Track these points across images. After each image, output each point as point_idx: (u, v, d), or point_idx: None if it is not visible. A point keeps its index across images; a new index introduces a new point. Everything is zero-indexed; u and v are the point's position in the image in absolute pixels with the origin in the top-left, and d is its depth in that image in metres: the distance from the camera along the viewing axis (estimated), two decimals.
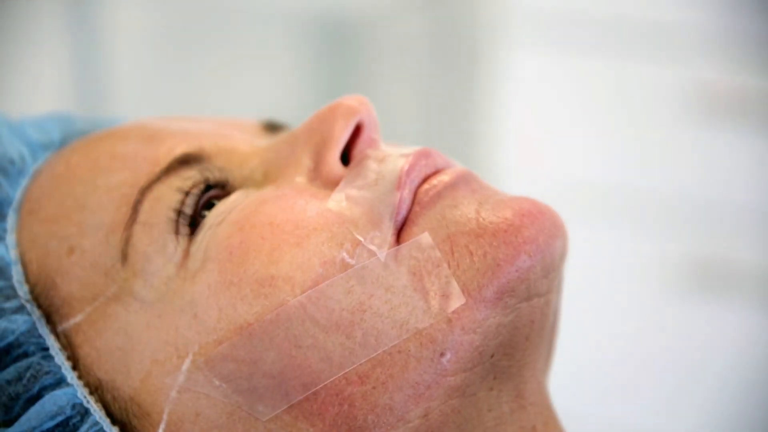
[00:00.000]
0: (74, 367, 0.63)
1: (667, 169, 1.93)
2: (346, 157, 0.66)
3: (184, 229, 0.63)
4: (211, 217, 0.64)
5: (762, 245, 1.85)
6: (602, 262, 1.91)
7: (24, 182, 0.69)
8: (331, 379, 0.60)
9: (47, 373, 0.62)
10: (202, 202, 0.64)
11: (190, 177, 0.64)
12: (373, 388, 0.60)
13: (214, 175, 0.65)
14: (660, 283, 1.89)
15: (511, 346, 0.62)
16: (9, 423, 0.61)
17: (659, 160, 1.93)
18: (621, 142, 1.95)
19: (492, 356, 0.61)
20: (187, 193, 0.64)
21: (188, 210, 0.64)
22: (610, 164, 1.97)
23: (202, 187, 0.64)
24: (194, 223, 0.64)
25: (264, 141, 0.69)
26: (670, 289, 1.88)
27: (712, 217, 1.89)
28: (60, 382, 0.62)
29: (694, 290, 1.88)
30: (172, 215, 0.63)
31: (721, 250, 1.88)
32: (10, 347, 0.63)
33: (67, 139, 0.72)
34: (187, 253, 0.63)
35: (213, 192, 0.65)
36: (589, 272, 1.77)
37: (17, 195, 0.68)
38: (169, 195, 0.64)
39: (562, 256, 0.64)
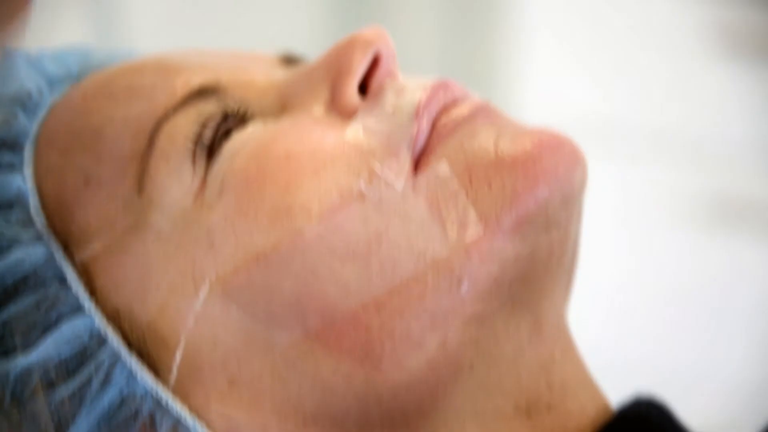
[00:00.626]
0: (91, 297, 0.63)
1: (689, 105, 1.92)
2: (363, 89, 0.66)
3: (201, 159, 0.63)
4: (228, 147, 0.63)
5: None
6: (622, 197, 1.90)
7: (41, 115, 0.69)
8: (348, 308, 0.60)
9: (64, 302, 0.62)
10: (219, 132, 0.64)
11: (207, 108, 0.64)
12: (390, 316, 0.60)
13: (231, 106, 0.65)
14: (680, 218, 1.89)
15: (530, 277, 0.62)
16: (27, 352, 0.62)
17: (682, 95, 1.92)
18: (644, 77, 1.94)
19: (510, 286, 0.61)
20: (204, 124, 0.64)
21: (206, 140, 0.64)
22: (633, 99, 1.96)
23: (219, 117, 0.64)
24: (211, 153, 0.64)
25: (281, 74, 0.69)
26: (690, 223, 1.88)
27: (733, 153, 1.88)
28: (77, 311, 0.62)
29: (715, 225, 1.87)
30: (189, 145, 0.63)
31: (743, 186, 1.87)
32: (27, 277, 0.63)
33: (85, 71, 0.72)
34: (203, 183, 0.63)
35: (230, 122, 0.65)
36: (608, 207, 1.77)
37: (34, 127, 0.68)
38: (186, 126, 0.64)
39: (582, 186, 0.63)
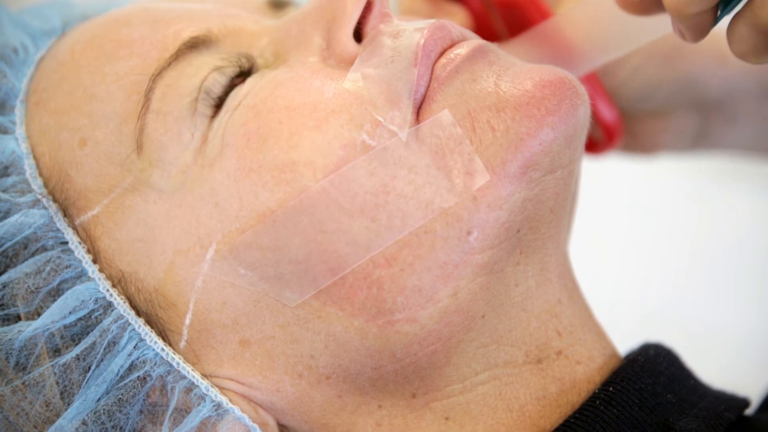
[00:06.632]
0: (95, 261, 0.62)
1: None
2: (357, 35, 0.64)
3: (200, 116, 0.62)
4: (226, 101, 0.62)
5: None
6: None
7: (29, 72, 0.67)
8: (359, 263, 0.59)
9: (67, 266, 0.62)
10: (216, 87, 0.63)
11: (200, 61, 0.63)
12: (401, 270, 0.59)
13: (224, 59, 0.63)
14: (693, 168, 1.87)
15: (537, 220, 0.62)
16: (30, 316, 0.61)
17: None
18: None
19: (518, 231, 0.61)
20: (200, 79, 0.62)
21: (202, 96, 0.62)
22: None
23: (213, 72, 0.63)
24: (209, 108, 0.62)
25: (271, 20, 0.67)
26: (704, 174, 1.86)
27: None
28: (81, 275, 0.62)
29: (728, 178, 1.86)
30: (186, 103, 0.62)
31: None
32: (27, 241, 0.62)
33: (68, 24, 0.71)
34: (205, 139, 0.62)
35: (225, 75, 0.63)
36: (618, 160, 1.75)
37: (23, 85, 0.67)
38: (181, 82, 0.62)
39: (585, 123, 0.63)
